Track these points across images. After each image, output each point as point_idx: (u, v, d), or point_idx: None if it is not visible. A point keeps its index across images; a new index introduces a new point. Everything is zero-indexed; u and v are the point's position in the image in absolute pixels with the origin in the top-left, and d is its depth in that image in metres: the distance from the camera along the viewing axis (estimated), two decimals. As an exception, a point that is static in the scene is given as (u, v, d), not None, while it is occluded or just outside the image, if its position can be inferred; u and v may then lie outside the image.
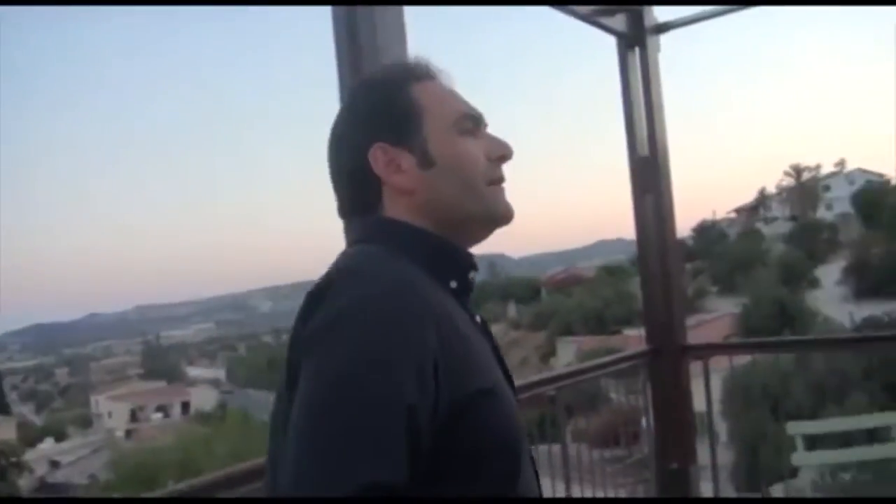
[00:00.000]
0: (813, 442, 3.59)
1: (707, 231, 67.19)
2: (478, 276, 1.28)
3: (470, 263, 1.25)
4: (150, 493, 2.22)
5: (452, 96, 1.28)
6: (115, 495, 25.99)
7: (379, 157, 1.20)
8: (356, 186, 1.24)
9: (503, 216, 1.27)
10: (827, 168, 74.08)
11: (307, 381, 1.02)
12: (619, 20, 4.09)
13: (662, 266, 4.19)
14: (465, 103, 1.28)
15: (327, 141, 1.28)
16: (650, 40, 4.21)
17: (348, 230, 1.31)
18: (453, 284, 1.21)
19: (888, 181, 68.12)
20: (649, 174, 4.16)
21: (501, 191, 1.27)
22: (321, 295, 1.08)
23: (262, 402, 52.40)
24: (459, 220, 1.24)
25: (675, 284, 4.27)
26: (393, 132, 1.21)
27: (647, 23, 4.22)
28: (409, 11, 2.47)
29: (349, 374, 0.99)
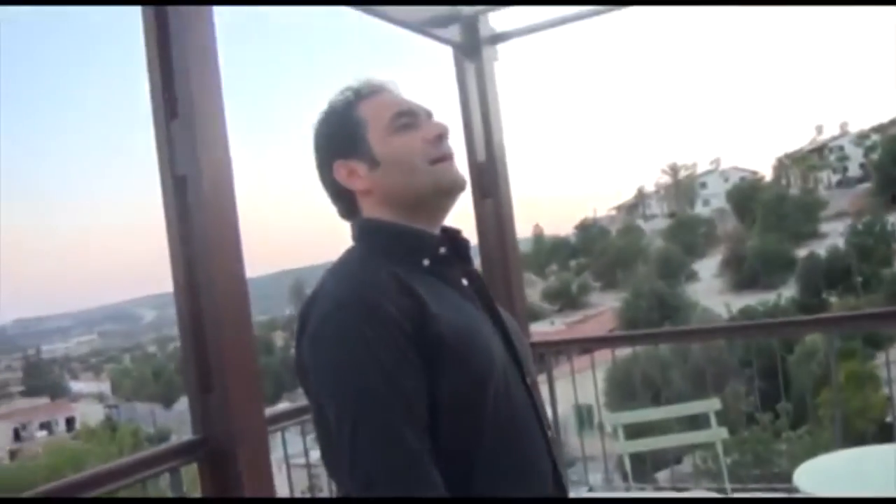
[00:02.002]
0: (634, 431, 3.78)
1: (588, 228, 68.72)
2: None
3: (432, 243, 1.45)
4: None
5: (389, 104, 1.48)
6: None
7: (340, 170, 1.46)
8: (337, 198, 1.50)
9: (450, 185, 1.48)
10: (703, 166, 76.78)
11: (324, 389, 1.31)
12: (453, 31, 4.19)
13: (503, 267, 4.32)
14: (400, 104, 1.48)
15: None
16: (486, 50, 4.33)
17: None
18: (426, 262, 1.42)
19: (761, 178, 70.91)
20: (488, 179, 4.28)
21: (447, 165, 1.46)
22: (307, 313, 1.36)
23: (149, 414, 51.31)
24: (414, 201, 1.45)
25: (516, 283, 4.40)
26: (346, 148, 1.46)
27: (483, 33, 4.34)
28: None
29: (347, 380, 1.28)
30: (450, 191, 1.47)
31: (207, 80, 2.52)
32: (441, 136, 1.47)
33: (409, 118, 1.46)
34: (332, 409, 1.29)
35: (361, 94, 1.49)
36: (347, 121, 1.47)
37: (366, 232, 1.46)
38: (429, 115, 1.50)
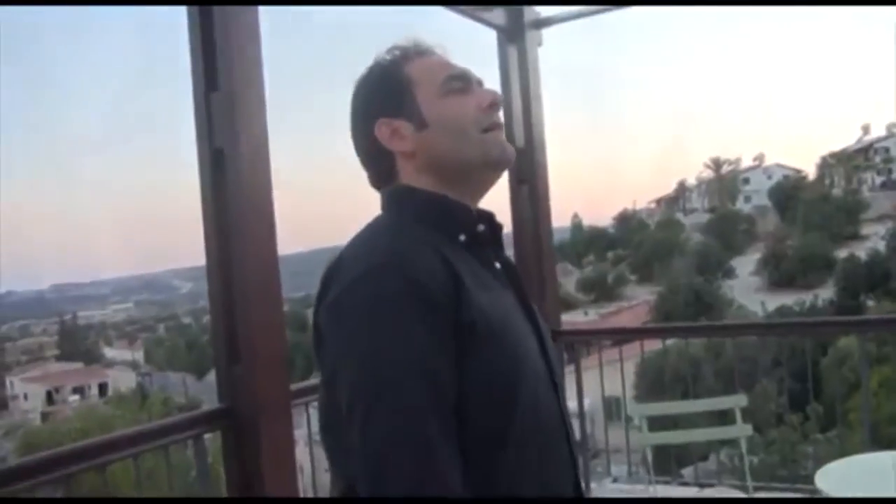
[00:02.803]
0: (659, 425, 3.78)
1: (628, 220, 68.30)
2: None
3: (471, 218, 1.37)
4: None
5: (440, 66, 1.41)
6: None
7: (383, 129, 1.37)
8: (374, 161, 1.41)
9: (499, 157, 1.39)
10: (746, 162, 75.97)
11: (342, 358, 1.21)
12: (498, 15, 4.20)
13: (537, 255, 4.32)
14: (453, 67, 1.41)
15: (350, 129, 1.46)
16: (529, 34, 4.32)
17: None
18: (462, 238, 1.34)
19: (804, 176, 70.06)
20: (525, 165, 4.28)
21: (497, 136, 1.39)
22: (330, 277, 1.26)
23: (180, 384, 51.80)
24: (459, 169, 1.37)
25: (549, 271, 4.40)
26: (391, 107, 1.38)
27: (528, 17, 4.33)
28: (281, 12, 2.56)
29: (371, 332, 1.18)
30: (498, 163, 1.40)
31: (249, 55, 2.54)
32: (495, 103, 1.40)
33: (461, 82, 1.40)
34: (346, 385, 1.18)
35: (410, 54, 1.42)
36: (395, 78, 1.39)
37: (401, 198, 1.38)
38: (479, 82, 1.44)
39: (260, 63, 2.56)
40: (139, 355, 77.18)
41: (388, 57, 1.43)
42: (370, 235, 1.33)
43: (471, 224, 1.36)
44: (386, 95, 1.39)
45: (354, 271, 1.22)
